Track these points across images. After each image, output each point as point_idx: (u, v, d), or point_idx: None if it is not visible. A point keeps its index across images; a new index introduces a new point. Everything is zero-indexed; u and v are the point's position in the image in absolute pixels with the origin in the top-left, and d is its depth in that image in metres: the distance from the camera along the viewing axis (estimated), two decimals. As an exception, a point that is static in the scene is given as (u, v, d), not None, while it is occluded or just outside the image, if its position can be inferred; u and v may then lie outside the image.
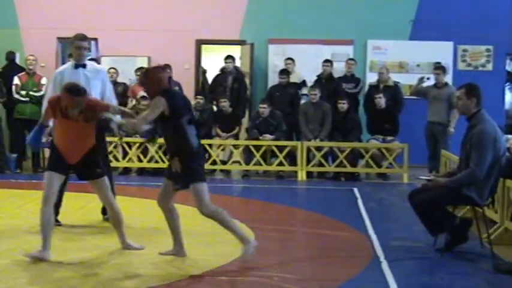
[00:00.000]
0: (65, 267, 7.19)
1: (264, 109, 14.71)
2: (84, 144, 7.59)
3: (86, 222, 9.57)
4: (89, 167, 7.67)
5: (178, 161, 7.34)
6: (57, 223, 8.92)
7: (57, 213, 9.00)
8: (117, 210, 7.88)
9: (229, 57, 15.85)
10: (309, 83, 15.74)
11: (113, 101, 9.33)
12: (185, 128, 7.30)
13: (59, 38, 17.09)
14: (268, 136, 14.66)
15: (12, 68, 15.43)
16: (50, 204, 7.47)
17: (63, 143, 7.62)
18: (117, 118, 7.46)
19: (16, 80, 14.52)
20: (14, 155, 14.85)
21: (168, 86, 7.44)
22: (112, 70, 15.57)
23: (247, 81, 16.38)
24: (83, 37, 9.21)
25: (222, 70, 16.00)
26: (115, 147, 14.66)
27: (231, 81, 15.73)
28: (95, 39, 16.99)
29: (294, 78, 15.80)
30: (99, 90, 9.22)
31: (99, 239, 8.55)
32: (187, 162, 7.31)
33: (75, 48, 9.24)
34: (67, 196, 9.35)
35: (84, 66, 9.19)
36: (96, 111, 7.48)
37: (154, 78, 7.40)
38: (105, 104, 7.96)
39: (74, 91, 7.43)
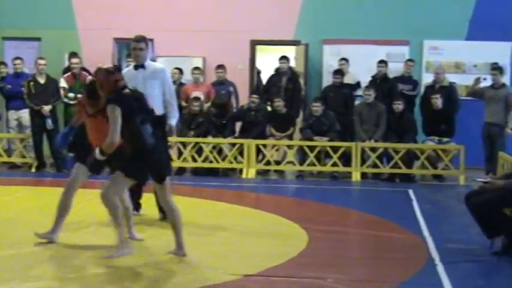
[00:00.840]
0: (116, 268, 7.26)
1: (317, 108, 14.66)
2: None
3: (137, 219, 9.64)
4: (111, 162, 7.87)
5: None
6: (137, 213, 9.57)
7: (139, 205, 9.73)
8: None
9: (284, 58, 15.84)
10: (364, 84, 15.64)
11: (172, 102, 9.38)
12: (139, 129, 7.33)
13: (115, 39, 17.26)
14: (322, 138, 14.60)
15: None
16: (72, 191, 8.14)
17: (91, 140, 7.95)
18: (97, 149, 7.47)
19: (63, 83, 14.63)
20: (71, 155, 14.99)
21: (114, 88, 7.42)
22: (175, 70, 15.68)
23: (302, 81, 16.35)
24: (139, 38, 9.37)
25: (277, 70, 15.99)
26: (170, 147, 14.73)
27: (285, 82, 15.71)
28: (151, 40, 17.10)
29: (348, 79, 15.73)
30: (157, 90, 9.28)
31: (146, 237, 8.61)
32: (136, 158, 7.37)
33: (132, 49, 9.54)
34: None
35: (143, 66, 9.28)
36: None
37: (99, 80, 7.55)
38: None
39: (88, 92, 7.76)
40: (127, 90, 7.41)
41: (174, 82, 15.06)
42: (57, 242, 8.07)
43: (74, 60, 14.98)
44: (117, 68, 7.66)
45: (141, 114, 7.41)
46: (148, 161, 7.38)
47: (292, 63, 16.76)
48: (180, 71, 16.01)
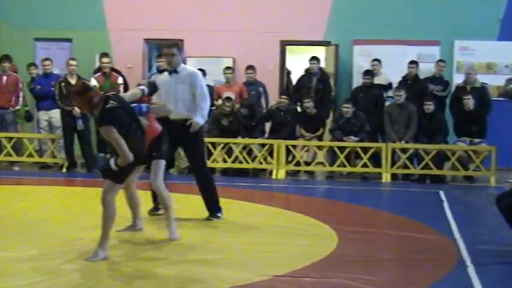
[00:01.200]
0: (141, 263, 7.29)
1: (348, 109, 14.62)
2: None
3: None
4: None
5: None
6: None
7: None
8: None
9: (314, 58, 15.81)
10: (394, 84, 15.57)
11: (201, 104, 9.41)
12: (135, 138, 7.48)
13: (145, 40, 17.34)
14: (352, 138, 14.57)
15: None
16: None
17: None
18: (112, 161, 7.53)
19: (94, 82, 14.69)
20: (102, 154, 15.06)
21: (91, 107, 7.42)
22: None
23: (332, 82, 16.31)
24: (170, 44, 9.53)
25: (307, 71, 15.96)
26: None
27: (315, 83, 15.68)
28: (181, 41, 17.17)
29: (380, 80, 15.64)
30: (188, 95, 9.37)
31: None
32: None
33: (164, 54, 9.76)
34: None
35: (176, 71, 9.38)
36: None
37: (76, 103, 7.83)
38: None
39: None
40: (111, 103, 7.33)
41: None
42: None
43: (105, 59, 15.06)
44: (87, 86, 7.57)
45: (133, 122, 7.53)
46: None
47: (322, 64, 16.73)
48: (203, 72, 15.96)
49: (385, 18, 16.73)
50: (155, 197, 9.59)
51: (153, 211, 9.81)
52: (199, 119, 9.42)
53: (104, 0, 17.49)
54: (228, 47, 17.02)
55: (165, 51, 9.57)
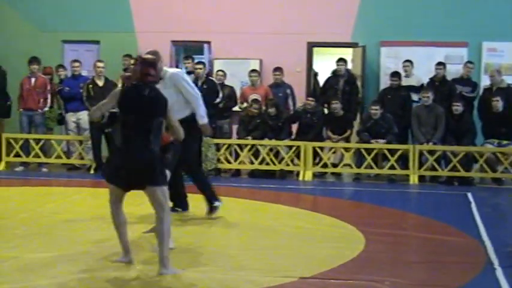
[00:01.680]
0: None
1: (376, 111, 14.59)
2: None
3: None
4: None
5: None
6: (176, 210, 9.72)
7: (186, 203, 9.91)
8: None
9: (341, 60, 15.78)
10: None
11: (196, 104, 9.27)
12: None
13: (172, 41, 17.39)
14: (379, 141, 14.52)
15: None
16: None
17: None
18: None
19: (121, 83, 14.72)
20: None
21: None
22: (220, 73, 15.73)
23: (359, 84, 16.27)
24: (151, 51, 9.25)
25: (334, 73, 15.94)
26: (227, 148, 14.83)
27: (342, 84, 15.66)
28: (208, 42, 17.22)
29: (412, 82, 15.52)
30: (174, 96, 8.78)
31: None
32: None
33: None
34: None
35: (161, 78, 9.12)
36: None
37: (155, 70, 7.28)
38: None
39: None
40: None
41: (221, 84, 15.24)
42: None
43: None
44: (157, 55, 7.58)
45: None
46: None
47: (349, 66, 16.69)
48: (224, 73, 15.98)
49: (412, 20, 16.65)
50: (176, 197, 9.56)
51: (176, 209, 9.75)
52: (201, 119, 9.32)
53: (132, 2, 17.56)
54: (255, 49, 17.02)
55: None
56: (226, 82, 15.82)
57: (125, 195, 7.12)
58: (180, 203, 9.86)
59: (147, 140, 6.89)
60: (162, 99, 7.05)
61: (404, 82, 15.49)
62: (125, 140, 7.01)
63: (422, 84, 15.58)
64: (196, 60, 15.53)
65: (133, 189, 7.00)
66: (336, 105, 15.00)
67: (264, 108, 15.15)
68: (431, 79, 15.39)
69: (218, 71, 15.92)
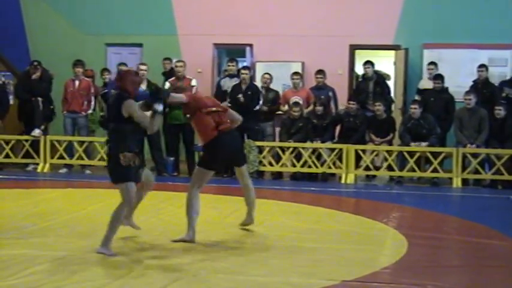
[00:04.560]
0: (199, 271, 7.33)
1: (415, 110, 14.50)
2: None
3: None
4: None
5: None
6: None
7: None
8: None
9: (368, 63, 15.73)
10: (465, 89, 15.36)
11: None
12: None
13: (215, 44, 17.46)
14: (421, 144, 14.43)
15: (173, 74, 15.62)
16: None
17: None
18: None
19: (167, 86, 14.79)
20: (171, 159, 15.25)
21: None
22: (266, 76, 15.72)
23: (391, 82, 16.16)
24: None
25: (363, 76, 15.93)
26: (269, 151, 14.84)
27: (372, 86, 15.63)
28: (250, 45, 17.26)
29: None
30: None
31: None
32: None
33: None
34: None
35: None
36: None
37: (129, 80, 8.18)
38: None
39: None
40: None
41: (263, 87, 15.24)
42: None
43: (179, 63, 15.17)
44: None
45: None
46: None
47: (392, 69, 16.64)
48: (270, 77, 15.91)
49: (455, 22, 16.54)
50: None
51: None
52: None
53: (174, 5, 17.67)
54: (296, 52, 17.03)
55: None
56: (271, 86, 15.78)
57: None
58: None
59: None
60: None
61: (427, 85, 15.41)
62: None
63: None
64: (241, 65, 15.55)
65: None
66: (379, 107, 14.93)
67: (306, 111, 15.14)
68: (474, 82, 15.27)
69: (264, 74, 15.88)
